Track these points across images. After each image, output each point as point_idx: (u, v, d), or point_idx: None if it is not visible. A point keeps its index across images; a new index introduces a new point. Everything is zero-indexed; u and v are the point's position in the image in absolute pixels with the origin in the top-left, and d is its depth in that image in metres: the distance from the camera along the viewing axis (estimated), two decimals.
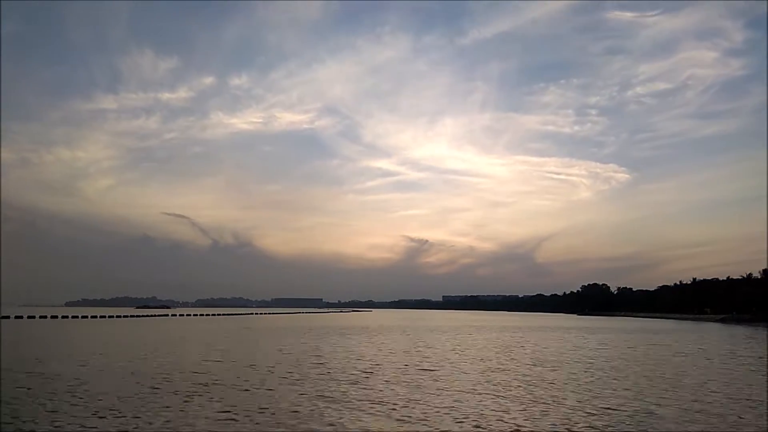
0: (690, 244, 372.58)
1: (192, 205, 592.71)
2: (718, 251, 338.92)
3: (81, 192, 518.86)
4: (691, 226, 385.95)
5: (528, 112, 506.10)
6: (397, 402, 19.08)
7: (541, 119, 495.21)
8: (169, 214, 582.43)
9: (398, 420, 16.37)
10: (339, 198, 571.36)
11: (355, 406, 18.23)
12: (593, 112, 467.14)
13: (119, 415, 16.60)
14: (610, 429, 15.42)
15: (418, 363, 31.75)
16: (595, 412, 17.62)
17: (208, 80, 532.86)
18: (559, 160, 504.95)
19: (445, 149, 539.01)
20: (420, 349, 42.73)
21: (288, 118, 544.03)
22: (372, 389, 21.79)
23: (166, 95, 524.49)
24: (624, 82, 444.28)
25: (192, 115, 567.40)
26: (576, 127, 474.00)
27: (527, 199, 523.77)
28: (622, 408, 18.22)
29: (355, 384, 23.14)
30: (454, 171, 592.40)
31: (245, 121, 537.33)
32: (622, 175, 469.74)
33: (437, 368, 29.23)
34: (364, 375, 26.22)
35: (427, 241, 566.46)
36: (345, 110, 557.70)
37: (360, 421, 16.22)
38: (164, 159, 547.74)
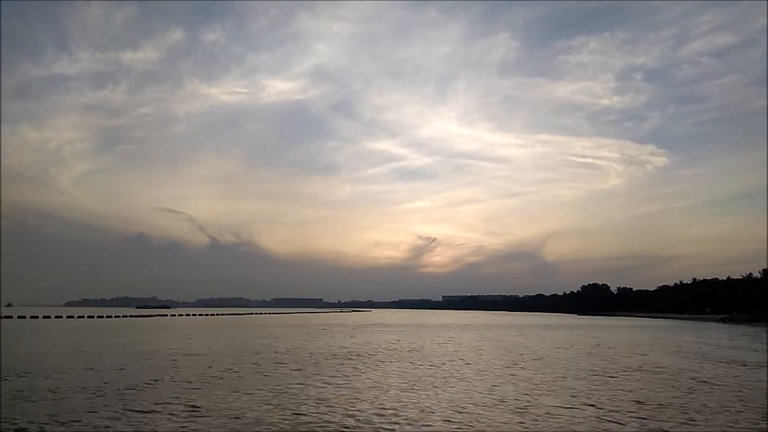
0: (697, 242, 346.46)
1: (180, 197, 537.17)
2: (722, 249, 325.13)
3: (56, 181, 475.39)
4: (708, 221, 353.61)
5: (559, 76, 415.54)
6: None
7: (575, 87, 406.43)
8: (160, 210, 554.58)
9: None
10: (337, 188, 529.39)
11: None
12: (638, 76, 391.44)
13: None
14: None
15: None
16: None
17: (176, 34, 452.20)
18: (589, 140, 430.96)
19: (454, 126, 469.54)
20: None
21: (276, 87, 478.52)
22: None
23: (128, 55, 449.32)
24: (680, 35, 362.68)
25: (163, 83, 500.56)
26: (615, 97, 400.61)
27: (546, 188, 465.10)
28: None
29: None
30: (464, 154, 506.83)
31: (226, 90, 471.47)
32: (660, 159, 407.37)
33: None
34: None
35: (434, 239, 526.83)
36: (338, 74, 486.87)
37: None
38: (141, 140, 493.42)
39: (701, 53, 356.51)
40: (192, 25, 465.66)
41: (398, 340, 49.84)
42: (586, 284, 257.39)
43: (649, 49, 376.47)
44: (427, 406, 16.94)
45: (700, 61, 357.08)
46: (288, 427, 14.14)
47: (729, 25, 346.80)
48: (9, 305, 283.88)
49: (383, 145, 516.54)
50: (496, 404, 17.52)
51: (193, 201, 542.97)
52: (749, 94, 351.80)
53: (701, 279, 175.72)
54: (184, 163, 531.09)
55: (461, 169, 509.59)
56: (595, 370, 27.09)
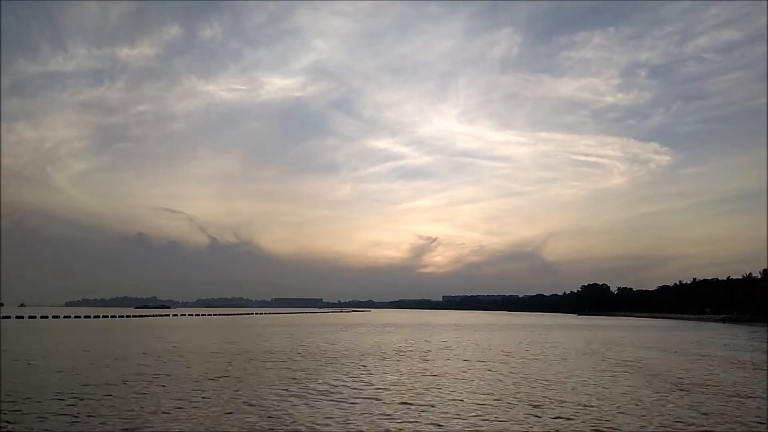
0: (698, 242, 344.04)
1: (179, 196, 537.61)
2: (722, 250, 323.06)
3: (53, 180, 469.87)
4: (709, 221, 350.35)
5: (562, 73, 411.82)
6: None
7: (578, 84, 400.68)
8: (159, 209, 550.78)
9: None
10: (337, 188, 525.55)
11: None
12: (643, 72, 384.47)
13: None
14: None
15: None
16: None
17: (173, 30, 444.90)
18: (592, 137, 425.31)
19: (455, 124, 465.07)
20: None
21: (274, 84, 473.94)
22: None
23: (124, 51, 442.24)
24: (686, 31, 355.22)
25: (160, 80, 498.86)
26: (619, 94, 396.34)
27: (548, 187, 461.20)
28: None
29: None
30: (465, 152, 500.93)
31: (224, 87, 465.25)
32: (663, 157, 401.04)
33: None
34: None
35: (435, 239, 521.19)
36: (338, 71, 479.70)
37: None
38: (139, 138, 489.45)
39: (707, 49, 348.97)
40: (188, 20, 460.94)
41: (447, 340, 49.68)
42: (586, 284, 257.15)
43: (654, 44, 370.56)
44: None
45: (706, 57, 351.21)
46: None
47: (735, 20, 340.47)
48: (23, 305, 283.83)
49: (383, 144, 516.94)
50: None
51: (192, 200, 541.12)
52: (755, 91, 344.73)
53: (701, 279, 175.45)
54: (182, 161, 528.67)
55: (462, 167, 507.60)
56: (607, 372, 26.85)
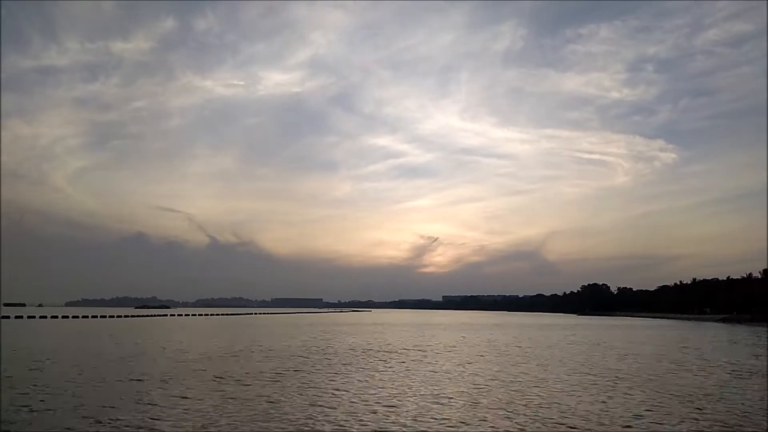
0: (699, 242, 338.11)
1: (177, 195, 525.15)
2: (722, 249, 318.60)
3: (50, 179, 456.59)
4: (712, 220, 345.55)
5: (567, 67, 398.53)
6: None
7: (583, 79, 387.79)
8: (158, 208, 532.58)
9: None
10: (337, 186, 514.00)
11: None
12: (650, 67, 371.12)
13: None
14: None
15: None
16: None
17: (167, 23, 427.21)
18: (597, 134, 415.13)
19: (457, 120, 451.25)
20: None
21: (272, 79, 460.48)
22: None
23: (118, 45, 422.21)
24: (695, 23, 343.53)
25: (156, 75, 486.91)
26: (625, 90, 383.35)
27: (551, 185, 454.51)
28: None
29: None
30: (467, 150, 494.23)
31: (221, 82, 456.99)
32: (669, 155, 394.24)
33: None
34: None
35: (436, 238, 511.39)
36: (336, 65, 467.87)
37: None
38: (135, 136, 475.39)
39: (716, 42, 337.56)
40: (183, 12, 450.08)
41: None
42: (586, 284, 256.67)
43: (663, 38, 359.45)
44: None
45: (715, 51, 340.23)
46: None
47: (745, 12, 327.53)
48: (41, 305, 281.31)
49: (383, 141, 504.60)
50: None
51: (190, 199, 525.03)
52: (765, 86, 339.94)
53: (701, 279, 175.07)
54: (180, 159, 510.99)
55: (464, 165, 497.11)
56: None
